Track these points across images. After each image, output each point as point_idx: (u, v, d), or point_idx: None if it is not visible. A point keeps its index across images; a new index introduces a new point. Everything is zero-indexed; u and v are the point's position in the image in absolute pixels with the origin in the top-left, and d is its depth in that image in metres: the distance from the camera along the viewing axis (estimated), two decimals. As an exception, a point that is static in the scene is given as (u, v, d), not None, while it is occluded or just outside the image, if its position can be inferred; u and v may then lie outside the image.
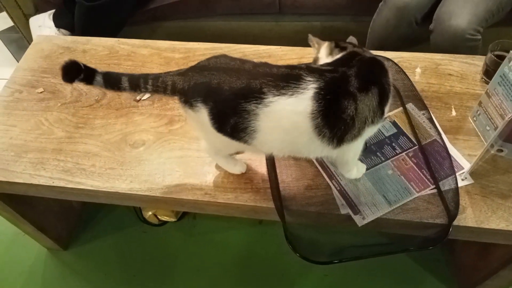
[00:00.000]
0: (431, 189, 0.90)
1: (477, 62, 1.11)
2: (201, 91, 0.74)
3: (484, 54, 1.07)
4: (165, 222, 1.48)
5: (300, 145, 0.76)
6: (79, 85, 1.13)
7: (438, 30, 1.36)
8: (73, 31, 1.69)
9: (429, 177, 0.91)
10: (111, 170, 0.96)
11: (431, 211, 0.86)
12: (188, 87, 0.76)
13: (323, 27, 1.77)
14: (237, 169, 0.93)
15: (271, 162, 0.94)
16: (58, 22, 1.71)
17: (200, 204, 0.92)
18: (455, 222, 0.84)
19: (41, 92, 1.13)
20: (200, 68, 0.78)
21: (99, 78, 0.78)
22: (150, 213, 1.45)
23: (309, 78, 0.71)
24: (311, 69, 0.73)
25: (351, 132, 0.74)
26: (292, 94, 0.70)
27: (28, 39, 1.85)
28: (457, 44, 1.31)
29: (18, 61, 1.24)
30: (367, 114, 0.73)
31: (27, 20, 1.79)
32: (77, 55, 1.22)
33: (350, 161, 0.87)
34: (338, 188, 0.91)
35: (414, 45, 1.53)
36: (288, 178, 0.92)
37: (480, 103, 0.97)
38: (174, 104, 1.08)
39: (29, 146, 1.01)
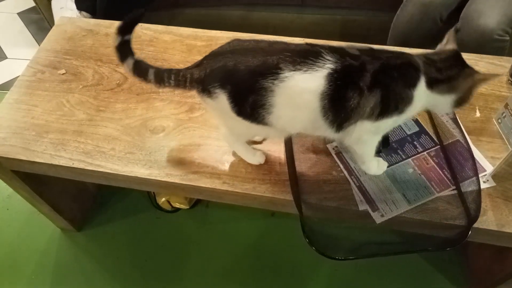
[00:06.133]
0: (452, 190, 0.89)
1: (505, 64, 1.09)
2: (218, 75, 0.75)
3: (511, 55, 1.05)
4: (178, 209, 1.48)
5: (307, 122, 0.76)
6: (100, 68, 1.14)
7: (465, 28, 1.33)
8: (95, 14, 1.69)
9: (450, 177, 0.90)
10: (131, 154, 0.96)
11: (451, 212, 0.86)
12: (205, 75, 0.76)
13: (344, 20, 1.74)
14: (256, 160, 0.93)
15: (290, 154, 0.94)
16: (80, 4, 1.70)
17: (218, 192, 0.92)
18: (475, 225, 0.83)
19: (63, 74, 1.14)
20: (214, 54, 0.78)
21: (130, 61, 0.80)
22: (163, 199, 1.46)
23: (328, 57, 0.70)
24: (334, 49, 0.72)
25: (349, 122, 0.74)
26: (306, 70, 0.70)
27: (49, 20, 1.86)
28: (484, 44, 1.28)
29: (37, 42, 1.25)
30: (367, 112, 0.73)
31: (49, 1, 1.80)
32: (100, 38, 1.22)
33: (365, 155, 0.87)
34: (357, 184, 0.90)
35: (437, 43, 1.50)
36: (307, 172, 0.92)
37: (506, 105, 0.95)
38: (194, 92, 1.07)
39: (50, 127, 1.02)
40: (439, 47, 0.82)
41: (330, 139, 0.95)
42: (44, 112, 1.05)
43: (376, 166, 0.90)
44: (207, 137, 0.99)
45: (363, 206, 0.87)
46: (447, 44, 0.80)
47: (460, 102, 0.79)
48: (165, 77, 0.79)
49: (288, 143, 0.95)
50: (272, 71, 0.70)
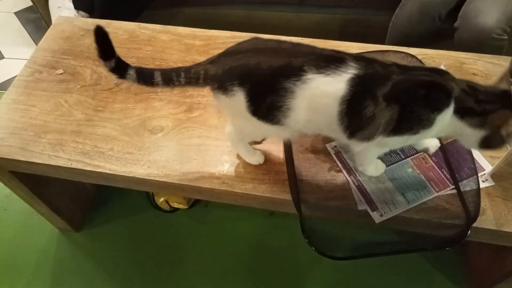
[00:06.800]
0: (451, 189, 0.88)
1: (503, 63, 1.09)
2: (238, 74, 0.74)
3: (509, 54, 1.05)
4: (176, 209, 1.48)
5: (323, 125, 0.76)
6: (99, 68, 1.13)
7: (464, 27, 1.33)
8: (92, 14, 1.69)
9: (449, 177, 0.90)
10: (129, 154, 0.96)
11: (450, 211, 0.86)
12: (222, 72, 0.75)
13: (343, 19, 1.74)
14: (255, 160, 0.93)
15: (289, 154, 0.94)
16: (78, 4, 1.70)
17: (217, 193, 0.92)
18: (474, 224, 0.83)
19: (61, 74, 1.13)
20: (233, 52, 0.77)
21: (132, 72, 0.78)
22: (162, 199, 1.46)
23: (351, 64, 0.70)
24: (358, 57, 0.72)
25: (362, 132, 0.73)
26: (329, 74, 0.69)
27: (46, 19, 1.85)
28: (483, 43, 1.28)
29: (35, 41, 1.25)
30: (381, 125, 0.71)
31: (46, 1, 1.79)
32: (98, 38, 1.21)
33: (365, 160, 0.87)
34: (357, 184, 0.90)
35: (436, 42, 1.50)
36: (306, 171, 0.92)
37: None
38: (193, 91, 1.07)
39: (49, 127, 1.01)
40: (491, 83, 0.77)
41: (331, 139, 0.95)
42: (42, 112, 1.04)
43: (374, 168, 0.89)
44: (206, 137, 0.98)
45: (362, 206, 0.87)
46: (501, 83, 0.76)
47: (487, 143, 0.74)
48: (173, 76, 0.78)
49: (287, 143, 0.95)
50: (296, 73, 0.70)
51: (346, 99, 0.69)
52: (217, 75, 0.75)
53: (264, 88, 0.73)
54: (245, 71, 0.74)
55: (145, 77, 0.79)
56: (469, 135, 0.75)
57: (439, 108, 0.71)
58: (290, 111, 0.73)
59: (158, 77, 0.78)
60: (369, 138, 0.74)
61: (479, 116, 0.72)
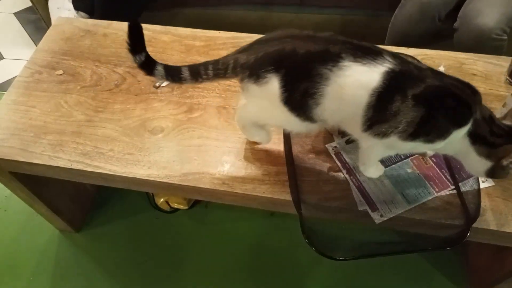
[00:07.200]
0: (451, 189, 0.89)
1: (503, 63, 1.09)
2: (273, 59, 0.73)
3: (509, 54, 1.05)
4: (176, 210, 1.48)
5: (348, 115, 0.75)
6: (99, 69, 1.13)
7: (464, 28, 1.33)
8: (92, 14, 1.69)
9: (449, 177, 0.90)
10: (130, 155, 0.96)
11: (450, 211, 0.86)
12: (256, 59, 0.74)
13: (343, 20, 1.74)
14: (265, 138, 0.93)
15: (289, 155, 0.94)
16: (78, 4, 1.70)
17: (218, 193, 0.92)
18: (475, 224, 0.83)
19: (61, 74, 1.13)
20: (267, 40, 0.77)
21: (160, 68, 0.78)
22: (162, 199, 1.46)
23: (388, 58, 0.70)
24: (395, 55, 0.72)
25: (381, 126, 0.72)
26: (366, 64, 0.69)
27: (46, 20, 1.85)
28: (482, 43, 1.29)
29: (34, 42, 1.24)
30: (402, 124, 0.70)
31: (46, 1, 1.79)
32: (98, 38, 1.21)
33: (368, 159, 0.86)
34: (357, 185, 0.90)
35: (435, 42, 1.50)
36: (306, 172, 0.92)
37: (504, 105, 0.95)
38: (193, 92, 1.07)
39: (49, 128, 1.02)
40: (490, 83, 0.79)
41: (331, 140, 0.95)
42: (42, 113, 1.04)
43: (374, 170, 0.89)
44: (206, 137, 0.98)
45: (362, 207, 0.87)
46: (508, 118, 0.77)
47: (490, 173, 0.76)
48: (201, 70, 0.78)
49: (288, 143, 0.95)
50: (333, 59, 0.70)
51: (377, 91, 0.69)
52: (249, 62, 0.75)
53: (300, 73, 0.72)
54: (281, 56, 0.73)
55: (173, 73, 0.79)
56: (473, 161, 0.76)
57: (459, 123, 0.71)
58: (322, 99, 0.72)
59: (185, 72, 0.78)
60: (384, 134, 0.73)
61: (488, 146, 0.73)
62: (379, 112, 0.71)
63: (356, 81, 0.70)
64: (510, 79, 1.05)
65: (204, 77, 0.78)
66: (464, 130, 0.72)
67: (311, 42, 0.72)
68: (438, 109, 0.70)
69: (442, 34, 1.47)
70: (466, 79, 1.07)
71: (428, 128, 0.71)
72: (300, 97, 0.73)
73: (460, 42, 1.36)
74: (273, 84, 0.73)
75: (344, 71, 0.69)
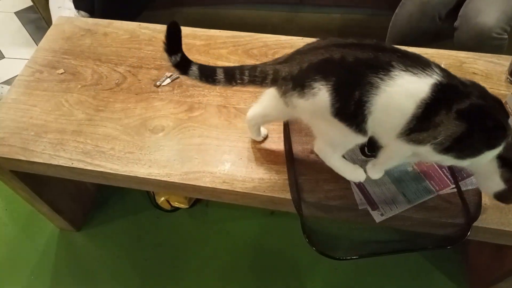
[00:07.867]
0: (451, 188, 0.89)
1: (503, 62, 1.09)
2: (320, 68, 0.70)
3: (509, 53, 1.05)
4: (177, 209, 1.48)
5: (388, 125, 0.72)
6: (99, 68, 1.13)
7: (464, 27, 1.33)
8: (93, 14, 1.68)
9: (449, 176, 0.90)
10: (130, 154, 0.96)
11: (451, 210, 0.86)
12: (300, 70, 0.72)
13: (343, 19, 1.74)
14: (357, 176, 0.87)
15: (289, 154, 0.94)
16: (78, 4, 1.70)
17: (218, 192, 0.92)
18: (475, 223, 0.83)
19: (61, 73, 1.13)
20: (310, 49, 0.74)
21: (194, 69, 0.77)
22: (162, 198, 1.46)
23: (436, 70, 0.69)
24: (441, 68, 0.71)
25: (419, 134, 0.70)
26: (416, 74, 0.68)
27: (47, 19, 1.85)
28: (482, 43, 1.29)
29: (35, 42, 1.25)
30: (440, 135, 0.69)
31: (47, 0, 1.79)
32: (98, 37, 1.21)
33: (387, 159, 0.83)
34: (357, 183, 0.90)
35: (435, 41, 1.50)
36: (306, 171, 0.92)
37: (505, 104, 0.95)
38: (194, 91, 1.07)
39: (49, 127, 1.02)
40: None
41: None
42: (42, 112, 1.05)
43: (376, 171, 0.88)
44: (207, 136, 0.98)
45: (362, 205, 0.87)
46: None
47: (502, 195, 0.76)
48: (236, 74, 0.76)
49: (288, 142, 0.95)
50: (384, 67, 0.68)
51: (425, 102, 0.67)
52: (292, 74, 0.72)
53: (351, 81, 0.69)
54: (329, 65, 0.70)
55: (207, 74, 0.77)
56: (491, 181, 0.76)
57: (492, 145, 0.71)
58: (373, 108, 0.69)
59: (220, 74, 0.76)
60: (420, 142, 0.71)
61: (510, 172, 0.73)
62: (422, 122, 0.69)
63: (406, 90, 0.68)
64: (510, 78, 1.05)
65: (239, 81, 0.76)
66: (494, 152, 0.72)
67: (358, 50, 0.70)
68: (478, 129, 0.69)
69: (442, 33, 1.47)
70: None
71: (463, 145, 0.70)
72: (353, 107, 0.70)
73: (460, 41, 1.36)
74: (322, 96, 0.70)
75: (395, 81, 0.67)
